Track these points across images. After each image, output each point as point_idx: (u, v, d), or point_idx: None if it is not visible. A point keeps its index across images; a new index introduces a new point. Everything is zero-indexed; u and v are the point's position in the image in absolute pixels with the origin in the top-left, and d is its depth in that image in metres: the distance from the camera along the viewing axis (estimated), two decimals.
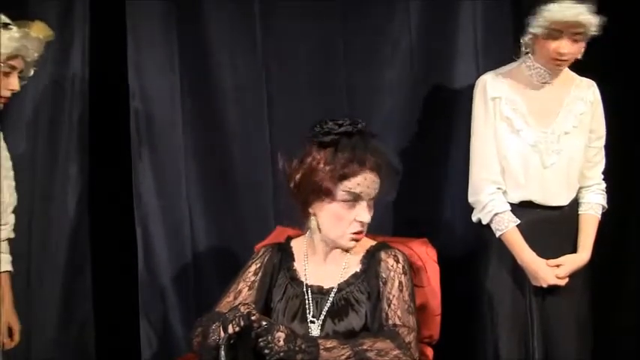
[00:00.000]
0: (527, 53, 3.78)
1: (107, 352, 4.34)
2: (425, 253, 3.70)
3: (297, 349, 3.05)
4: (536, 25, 3.64)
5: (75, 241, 4.29)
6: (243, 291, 3.36)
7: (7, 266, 3.82)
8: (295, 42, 4.31)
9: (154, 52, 4.31)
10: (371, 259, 3.37)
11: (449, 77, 4.29)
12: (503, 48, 4.16)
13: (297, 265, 3.42)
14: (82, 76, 4.25)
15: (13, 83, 3.59)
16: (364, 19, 4.30)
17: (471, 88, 4.03)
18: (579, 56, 3.72)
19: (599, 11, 3.66)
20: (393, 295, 3.28)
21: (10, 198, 3.82)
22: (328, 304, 3.32)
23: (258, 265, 3.42)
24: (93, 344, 4.32)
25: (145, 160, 4.30)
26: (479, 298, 3.86)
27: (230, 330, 3.01)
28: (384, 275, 3.33)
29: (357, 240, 3.33)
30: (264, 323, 3.02)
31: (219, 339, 3.01)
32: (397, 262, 3.35)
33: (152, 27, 4.30)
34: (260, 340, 3.00)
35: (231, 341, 3.01)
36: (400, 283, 3.31)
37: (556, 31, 3.63)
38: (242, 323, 3.01)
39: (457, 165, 4.22)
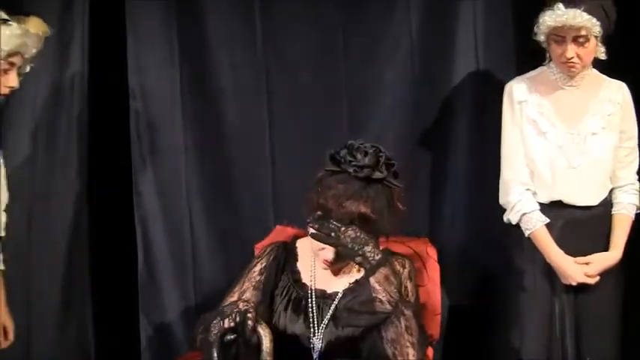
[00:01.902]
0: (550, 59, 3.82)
1: (107, 352, 4.33)
2: (425, 252, 3.71)
3: (359, 252, 3.12)
4: (539, 32, 3.72)
5: (74, 241, 4.27)
6: (248, 291, 3.34)
7: (2, 265, 3.80)
8: (295, 41, 4.31)
9: (154, 50, 4.29)
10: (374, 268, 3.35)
11: (449, 76, 4.28)
12: (503, 47, 4.17)
13: (301, 266, 3.41)
14: (81, 74, 4.23)
15: (13, 80, 3.57)
16: (364, 18, 4.30)
17: (471, 87, 4.05)
18: (603, 56, 3.74)
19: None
20: None
21: (2, 196, 3.78)
22: (331, 310, 3.32)
23: (263, 265, 3.40)
24: (92, 344, 4.31)
25: (144, 159, 4.29)
26: (507, 298, 3.87)
27: (226, 324, 3.01)
28: None
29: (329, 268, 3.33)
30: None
31: (217, 333, 3.02)
32: (403, 267, 3.34)
33: (152, 25, 4.28)
34: (332, 222, 3.12)
35: (229, 337, 3.02)
36: (405, 288, 3.30)
37: (558, 36, 3.66)
38: (237, 319, 3.02)
39: (457, 164, 4.22)
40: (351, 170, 3.20)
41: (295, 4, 4.29)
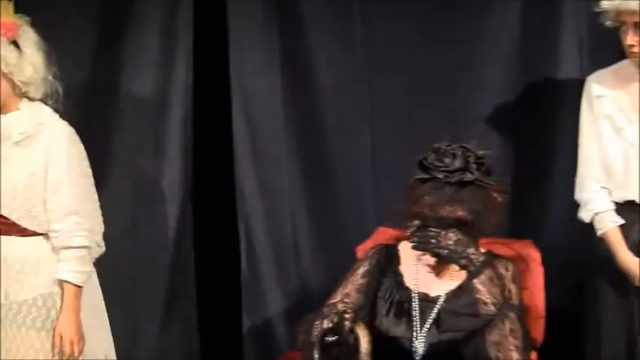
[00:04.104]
0: None
1: (211, 351, 4.38)
2: (528, 255, 3.66)
3: (463, 254, 3.12)
4: (604, 18, 3.60)
5: (179, 242, 4.33)
6: (351, 294, 3.33)
7: (65, 275, 3.45)
8: (396, 41, 4.30)
9: (256, 52, 4.33)
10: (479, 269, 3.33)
11: (553, 77, 4.23)
12: (609, 48, 4.08)
13: (404, 268, 3.39)
14: (185, 78, 4.29)
15: None
16: (465, 17, 4.27)
17: (575, 88, 3.98)
18: None
19: None
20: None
21: (72, 204, 3.45)
22: (434, 313, 3.30)
23: (366, 268, 3.39)
24: (197, 343, 4.37)
25: (247, 161, 4.33)
26: (584, 300, 3.82)
27: (324, 325, 3.03)
28: None
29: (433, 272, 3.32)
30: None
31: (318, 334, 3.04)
32: (506, 270, 3.30)
33: (253, 27, 4.32)
34: (432, 229, 3.11)
35: (330, 338, 3.03)
36: (509, 290, 3.26)
37: (620, 22, 3.56)
38: (335, 320, 3.03)
39: (562, 165, 4.15)
40: (441, 176, 3.18)
41: (395, 4, 4.28)
